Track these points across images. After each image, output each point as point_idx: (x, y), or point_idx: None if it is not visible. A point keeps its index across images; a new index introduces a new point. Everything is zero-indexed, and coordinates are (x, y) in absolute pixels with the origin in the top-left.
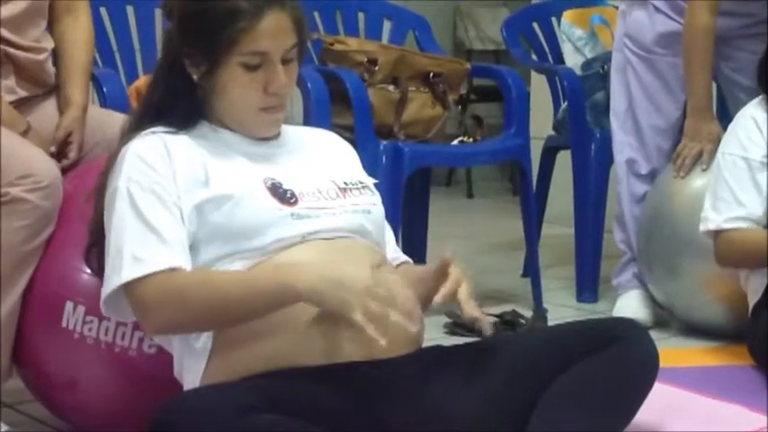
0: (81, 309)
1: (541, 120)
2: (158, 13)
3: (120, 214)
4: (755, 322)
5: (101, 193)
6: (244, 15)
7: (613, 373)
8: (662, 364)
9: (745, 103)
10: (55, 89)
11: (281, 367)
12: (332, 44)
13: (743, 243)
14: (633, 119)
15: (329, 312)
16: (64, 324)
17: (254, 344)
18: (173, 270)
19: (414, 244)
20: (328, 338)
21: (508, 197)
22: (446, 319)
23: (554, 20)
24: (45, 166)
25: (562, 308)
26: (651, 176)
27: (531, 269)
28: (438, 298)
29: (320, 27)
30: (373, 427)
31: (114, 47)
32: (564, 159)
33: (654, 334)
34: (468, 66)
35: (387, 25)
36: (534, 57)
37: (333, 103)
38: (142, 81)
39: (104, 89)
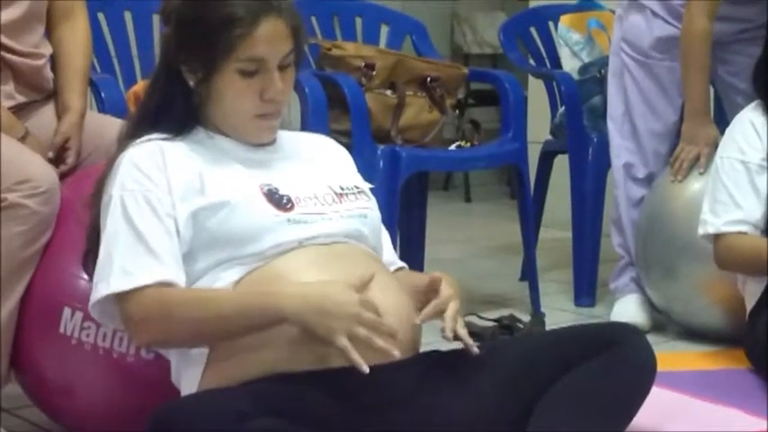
0: (79, 314)
1: (539, 124)
2: (156, 18)
3: (113, 223)
4: (753, 326)
5: (98, 199)
6: (241, 22)
7: (611, 377)
8: (659, 367)
9: (742, 107)
10: (53, 95)
11: (278, 373)
12: (329, 49)
13: (741, 250)
14: (630, 123)
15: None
16: (62, 330)
17: (252, 350)
18: (161, 285)
19: (411, 248)
20: (326, 344)
21: (506, 201)
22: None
23: (551, 24)
24: (43, 172)
25: (560, 312)
26: (648, 180)
27: (529, 273)
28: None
29: (317, 32)
30: None
31: (112, 52)
32: (561, 163)
33: (651, 338)
34: (465, 70)
35: (384, 30)
36: (531, 61)
37: (330, 108)
38: (140, 86)
39: (102, 95)
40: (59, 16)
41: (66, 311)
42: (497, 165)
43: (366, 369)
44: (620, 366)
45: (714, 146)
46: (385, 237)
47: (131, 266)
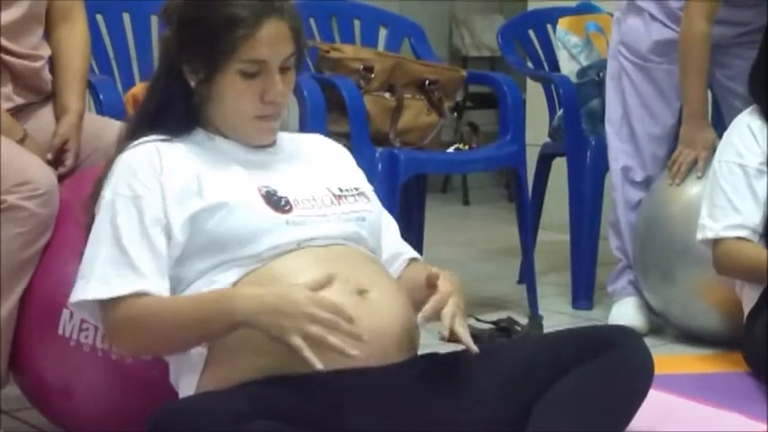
0: (77, 316)
1: (537, 127)
2: (155, 20)
3: (101, 225)
4: (750, 329)
5: (95, 201)
6: (243, 23)
7: (609, 379)
8: (657, 371)
9: (739, 111)
10: (51, 96)
11: (276, 375)
12: (328, 52)
13: (740, 258)
14: (628, 126)
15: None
16: (60, 331)
17: (250, 352)
18: (138, 295)
19: None
20: (324, 346)
21: (504, 204)
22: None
23: (549, 27)
24: (42, 174)
25: (557, 315)
26: (646, 183)
27: (527, 276)
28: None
29: (316, 34)
30: None
31: (111, 54)
32: (559, 166)
33: (649, 341)
34: (463, 73)
35: (382, 33)
36: (530, 64)
37: (329, 111)
38: (139, 88)
39: (101, 96)
40: (58, 18)
41: (65, 313)
42: (495, 167)
43: (321, 367)
44: (617, 369)
45: (712, 149)
46: (393, 227)
47: (111, 275)
